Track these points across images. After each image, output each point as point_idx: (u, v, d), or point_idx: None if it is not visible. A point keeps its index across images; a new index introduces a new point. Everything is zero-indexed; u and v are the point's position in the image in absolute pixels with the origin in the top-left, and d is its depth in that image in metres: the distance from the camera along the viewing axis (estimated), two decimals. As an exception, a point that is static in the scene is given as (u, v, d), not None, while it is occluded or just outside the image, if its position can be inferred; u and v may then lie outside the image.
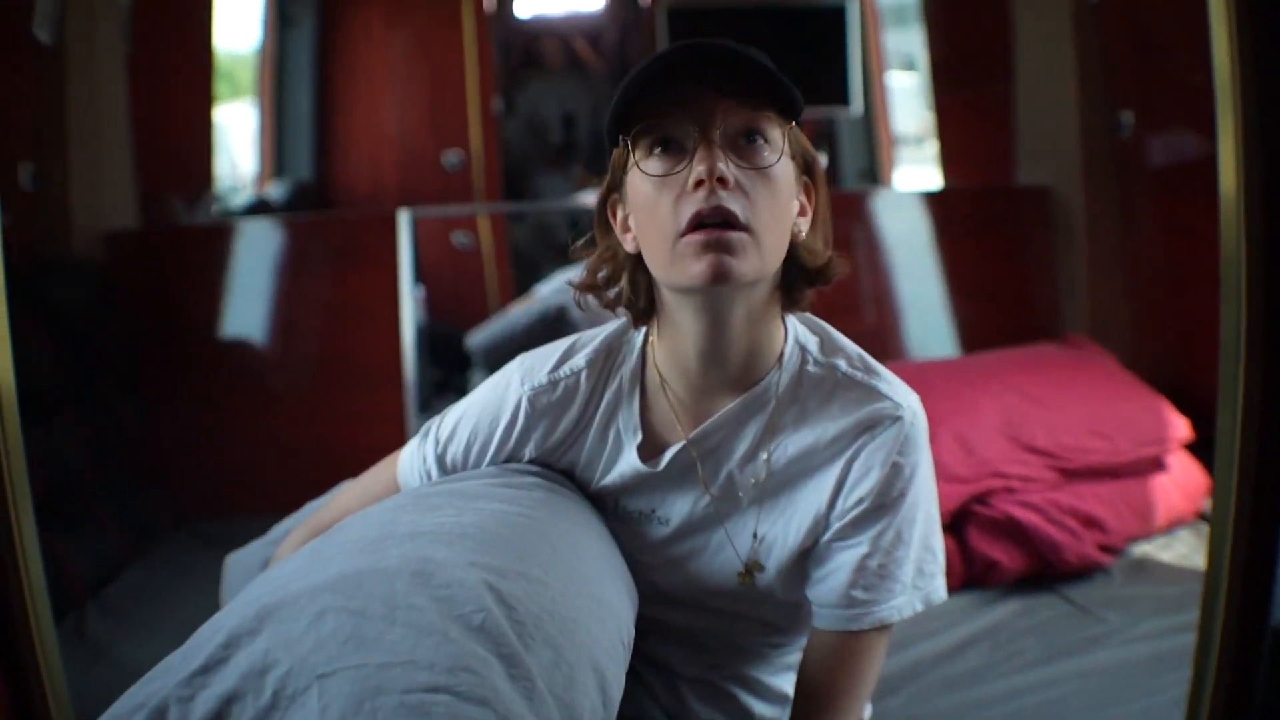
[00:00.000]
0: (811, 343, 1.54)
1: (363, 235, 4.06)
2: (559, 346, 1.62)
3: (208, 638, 1.24)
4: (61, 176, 3.68)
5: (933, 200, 4.36)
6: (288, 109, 5.88)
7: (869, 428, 1.48)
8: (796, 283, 1.51)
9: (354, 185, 5.99)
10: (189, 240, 4.24)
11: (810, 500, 1.52)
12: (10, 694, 1.55)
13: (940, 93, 5.08)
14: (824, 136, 5.76)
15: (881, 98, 5.74)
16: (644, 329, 1.58)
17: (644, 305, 1.53)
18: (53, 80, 3.62)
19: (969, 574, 2.89)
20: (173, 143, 4.79)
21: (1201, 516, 3.20)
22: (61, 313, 3.39)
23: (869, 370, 1.53)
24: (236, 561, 1.89)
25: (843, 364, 1.52)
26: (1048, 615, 2.72)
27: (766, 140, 1.40)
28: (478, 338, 4.81)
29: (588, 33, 6.86)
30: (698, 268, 1.36)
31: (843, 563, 1.50)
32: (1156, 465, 3.15)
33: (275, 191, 5.67)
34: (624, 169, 1.47)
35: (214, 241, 4.15)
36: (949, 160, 5.08)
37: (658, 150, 1.40)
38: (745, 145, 1.39)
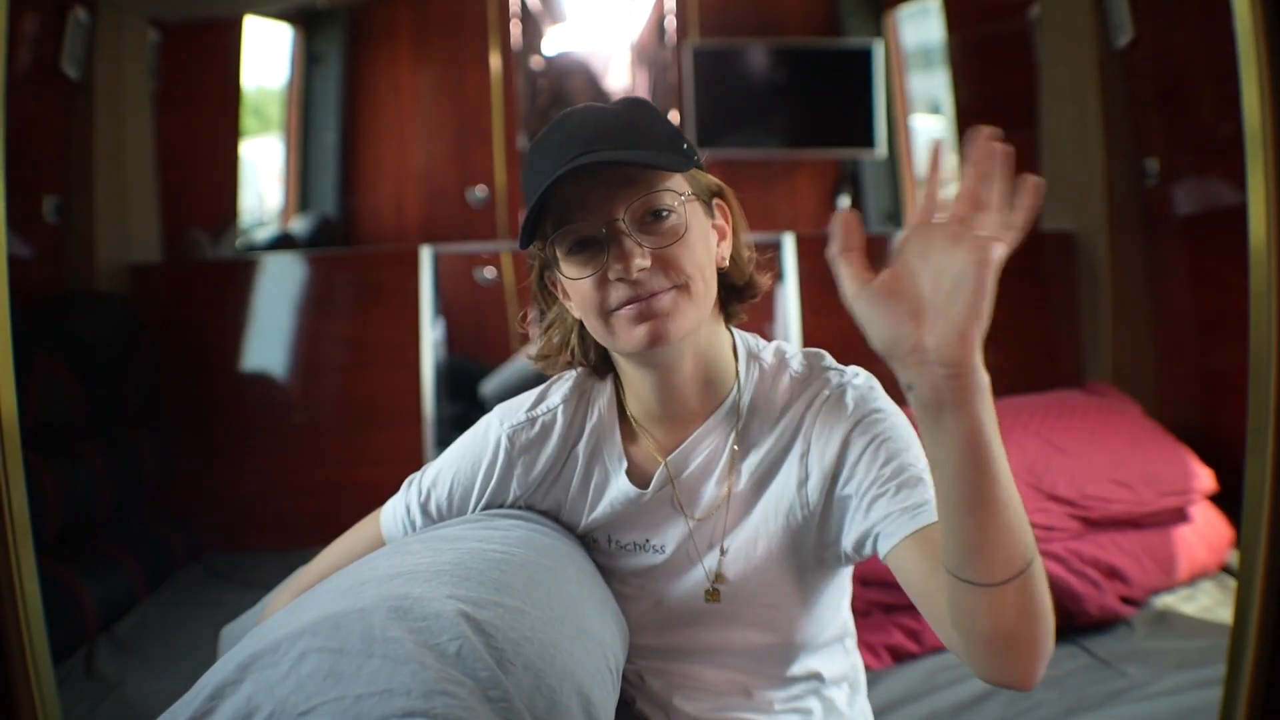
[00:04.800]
0: (767, 350, 1.59)
1: (384, 271, 4.08)
2: (534, 390, 1.67)
3: (194, 694, 1.25)
4: (86, 210, 3.71)
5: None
6: (313, 145, 5.89)
7: (816, 396, 1.51)
8: (729, 302, 1.57)
9: (378, 221, 5.99)
10: (212, 274, 4.26)
11: (782, 488, 1.52)
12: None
13: (965, 137, 5.07)
14: (848, 178, 5.76)
15: (906, 141, 5.73)
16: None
17: (596, 360, 1.60)
18: (79, 114, 3.66)
19: (989, 623, 2.86)
20: (198, 177, 4.82)
21: (1225, 569, 3.16)
22: (84, 346, 3.40)
23: (818, 357, 1.57)
24: (230, 634, 1.89)
25: (795, 362, 1.56)
26: (1068, 668, 2.68)
27: (670, 211, 1.44)
28: (490, 385, 4.80)
29: (616, 72, 6.89)
30: (635, 336, 1.43)
31: (867, 483, 1.43)
32: (1180, 516, 3.11)
33: (299, 226, 5.68)
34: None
35: (236, 276, 4.17)
36: (973, 204, 5.07)
37: (575, 250, 1.45)
38: (653, 222, 1.44)
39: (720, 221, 1.54)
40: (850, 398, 1.48)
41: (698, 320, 1.46)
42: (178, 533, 3.69)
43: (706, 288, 1.47)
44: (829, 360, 1.57)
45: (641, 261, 1.40)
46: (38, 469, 2.97)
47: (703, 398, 1.55)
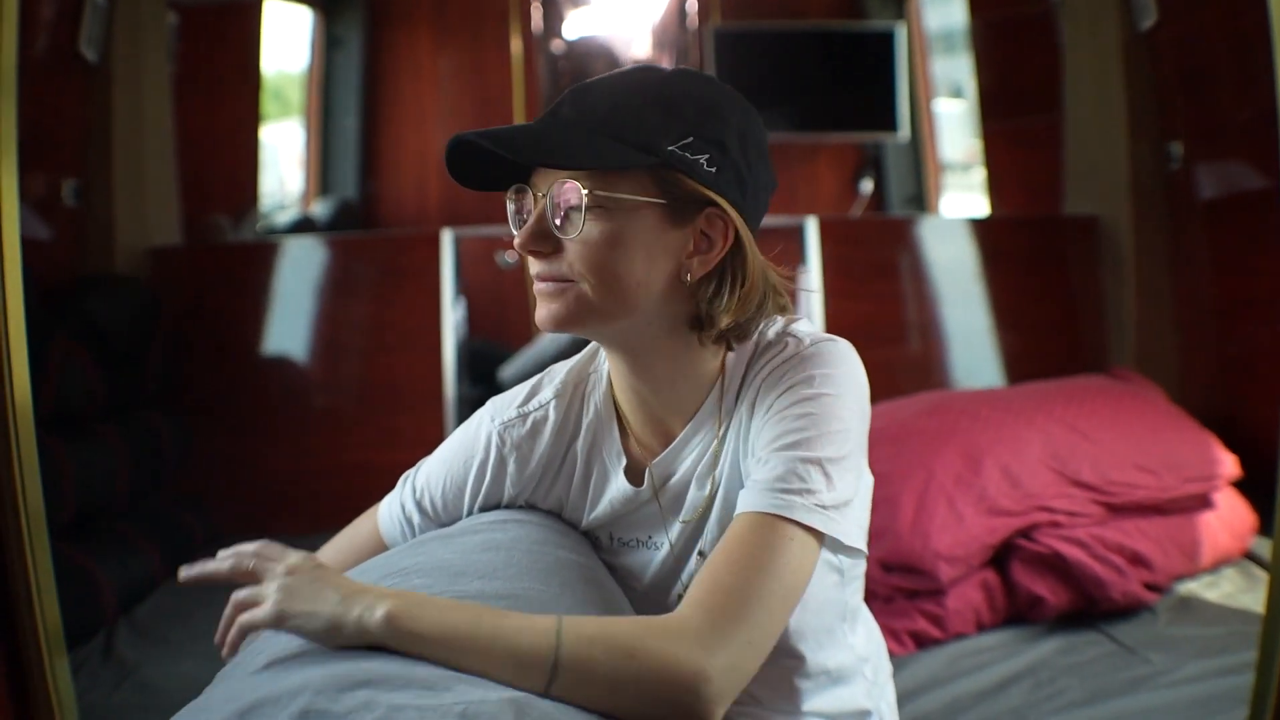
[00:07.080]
0: (769, 337, 1.49)
1: (405, 254, 4.07)
2: (527, 384, 1.63)
3: None
4: (105, 193, 3.71)
5: (979, 228, 4.32)
6: (334, 128, 5.90)
7: (765, 366, 1.45)
8: (694, 328, 1.43)
9: (399, 204, 6.00)
10: (232, 257, 4.26)
11: (739, 476, 1.47)
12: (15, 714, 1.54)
13: (988, 120, 5.04)
14: (870, 161, 5.74)
15: (929, 124, 5.71)
16: (606, 360, 1.57)
17: None
18: (98, 97, 3.65)
19: (1012, 608, 2.84)
20: (218, 160, 4.83)
21: (1248, 555, 3.13)
22: (102, 329, 3.39)
23: (796, 324, 1.50)
24: None
25: (782, 349, 1.46)
26: (1091, 654, 2.66)
27: (569, 207, 1.36)
28: (509, 370, 4.80)
29: (637, 55, 6.86)
30: (537, 314, 1.41)
31: (755, 458, 1.40)
32: (1204, 502, 3.08)
33: (320, 210, 5.69)
34: None
35: (257, 259, 4.17)
36: (996, 188, 5.05)
37: (514, 210, 1.44)
38: (563, 210, 1.37)
39: (708, 230, 1.39)
40: (789, 364, 1.42)
41: (605, 322, 1.39)
42: (196, 516, 3.69)
43: (617, 298, 1.37)
44: (800, 327, 1.48)
45: (535, 245, 1.37)
46: (56, 452, 2.96)
47: (681, 396, 1.49)
